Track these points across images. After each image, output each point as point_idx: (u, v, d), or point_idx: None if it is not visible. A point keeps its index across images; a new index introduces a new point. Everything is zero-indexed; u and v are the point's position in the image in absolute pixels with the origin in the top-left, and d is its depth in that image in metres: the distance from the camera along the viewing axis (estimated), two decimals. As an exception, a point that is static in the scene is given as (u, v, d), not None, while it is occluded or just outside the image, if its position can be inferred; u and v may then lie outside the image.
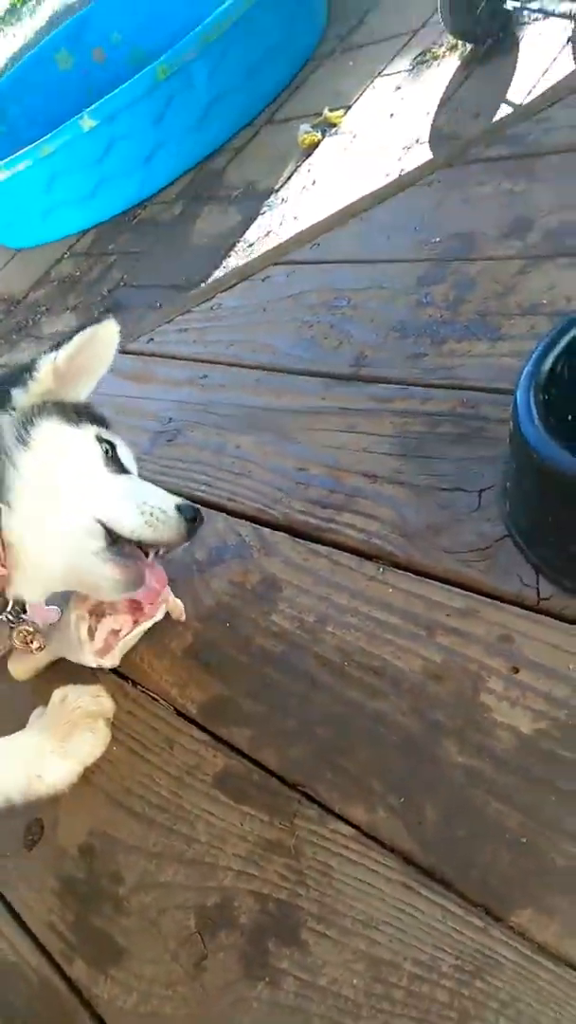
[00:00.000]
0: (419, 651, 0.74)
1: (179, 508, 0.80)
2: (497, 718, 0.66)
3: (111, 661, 0.85)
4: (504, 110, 2.28)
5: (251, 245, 2.56)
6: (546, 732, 0.63)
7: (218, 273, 2.53)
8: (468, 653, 0.71)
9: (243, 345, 1.25)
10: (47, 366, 0.79)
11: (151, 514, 0.78)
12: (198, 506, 0.82)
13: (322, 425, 1.02)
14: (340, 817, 0.67)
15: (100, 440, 0.80)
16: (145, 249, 2.87)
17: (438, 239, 1.16)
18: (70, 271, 3.11)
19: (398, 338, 1.06)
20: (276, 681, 0.80)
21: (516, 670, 0.68)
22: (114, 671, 0.91)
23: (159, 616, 0.89)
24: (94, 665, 0.85)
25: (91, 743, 0.83)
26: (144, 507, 0.78)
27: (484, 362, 0.94)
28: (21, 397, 0.78)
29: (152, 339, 1.40)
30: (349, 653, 0.77)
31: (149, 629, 0.88)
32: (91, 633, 0.84)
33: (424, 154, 2.35)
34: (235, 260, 2.55)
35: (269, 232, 2.55)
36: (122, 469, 0.81)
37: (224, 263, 2.56)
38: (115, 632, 0.84)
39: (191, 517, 0.79)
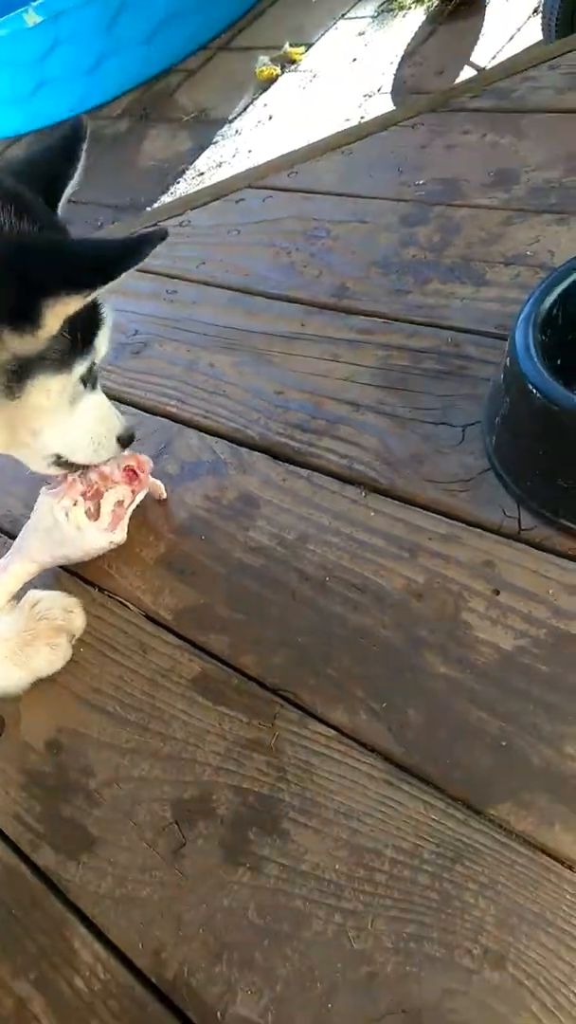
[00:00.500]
0: (401, 571, 0.76)
1: (119, 439, 0.81)
2: (478, 635, 0.69)
3: (121, 534, 0.85)
4: (467, 72, 2.28)
5: (201, 174, 2.48)
6: (525, 649, 0.67)
7: (166, 198, 2.44)
8: (450, 575, 0.74)
9: (216, 264, 1.22)
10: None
11: (99, 443, 0.80)
12: (135, 433, 0.83)
13: (301, 351, 1.02)
14: (321, 720, 0.69)
15: (82, 379, 0.74)
16: (87, 163, 2.72)
17: (422, 181, 1.16)
18: (1, 176, 2.91)
19: (381, 273, 1.06)
20: (255, 592, 0.80)
21: (497, 592, 0.71)
22: (80, 576, 0.89)
23: (142, 496, 0.88)
24: (105, 544, 0.84)
25: (48, 659, 0.81)
26: (96, 439, 0.79)
27: (468, 304, 0.96)
28: (13, 341, 0.65)
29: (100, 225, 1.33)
30: (331, 569, 0.79)
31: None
32: (91, 515, 0.82)
33: (386, 104, 2.33)
34: (184, 187, 2.46)
35: (221, 163, 2.47)
36: (93, 383, 0.77)
37: (172, 189, 2.47)
38: (120, 503, 0.84)
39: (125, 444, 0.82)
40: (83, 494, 0.82)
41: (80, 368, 0.72)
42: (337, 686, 0.71)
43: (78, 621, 0.83)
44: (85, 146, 0.74)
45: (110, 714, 0.77)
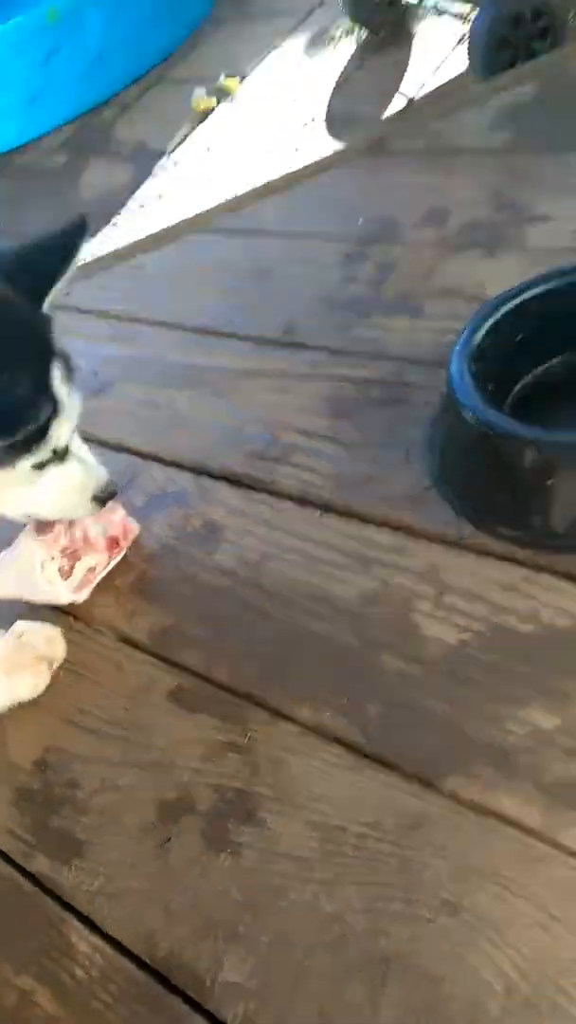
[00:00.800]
0: (356, 581, 0.90)
1: (96, 498, 0.91)
2: (426, 633, 0.83)
3: (84, 596, 0.97)
4: (399, 100, 2.50)
5: (142, 206, 2.64)
6: (468, 642, 0.81)
7: (108, 229, 2.59)
8: (400, 582, 0.88)
9: (170, 306, 1.36)
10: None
11: (71, 506, 0.90)
12: (115, 489, 0.92)
13: (256, 386, 1.16)
14: (289, 718, 0.82)
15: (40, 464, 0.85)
16: (25, 197, 2.86)
17: (361, 221, 1.33)
18: None
19: (326, 310, 1.22)
20: (223, 610, 0.94)
21: (442, 594, 0.85)
22: (55, 607, 1.01)
23: (117, 559, 1.00)
24: (66, 602, 0.95)
25: (29, 687, 0.93)
26: (64, 504, 0.90)
27: (408, 336, 1.12)
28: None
29: (69, 294, 1.47)
30: (292, 585, 0.93)
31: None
32: (63, 573, 0.94)
33: (321, 134, 2.53)
34: (126, 219, 2.62)
35: (161, 195, 2.64)
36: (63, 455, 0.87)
37: (115, 220, 2.62)
38: (92, 569, 0.95)
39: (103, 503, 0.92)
40: (63, 550, 0.94)
41: (32, 459, 0.82)
42: (302, 688, 0.84)
43: (59, 650, 0.95)
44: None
45: (93, 731, 0.89)
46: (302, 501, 1.00)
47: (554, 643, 0.79)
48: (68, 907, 0.78)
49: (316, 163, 1.50)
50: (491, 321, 0.91)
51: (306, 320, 1.22)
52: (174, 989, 0.71)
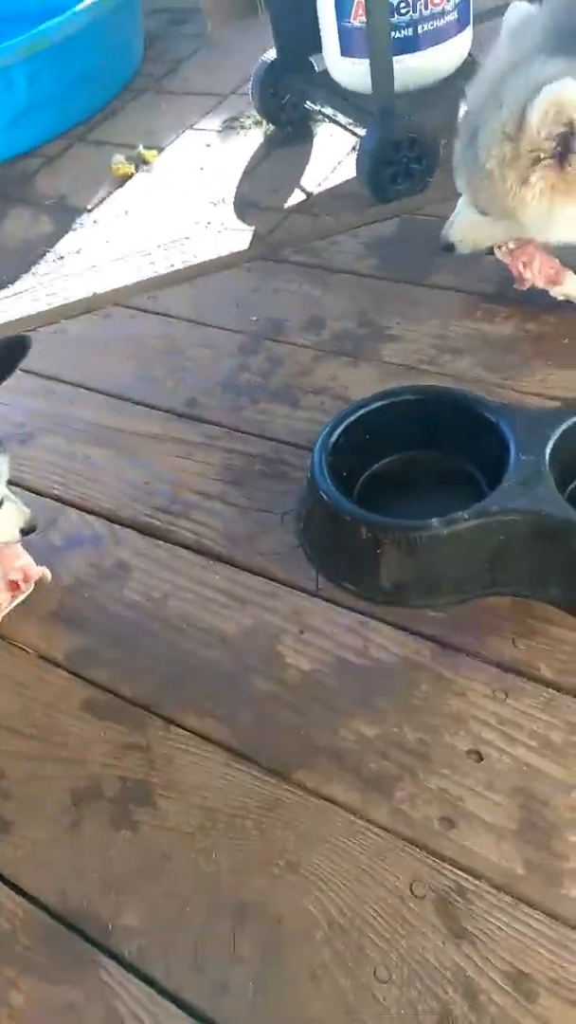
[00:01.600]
0: (236, 617, 1.09)
1: (22, 530, 1.08)
2: (288, 661, 1.04)
3: None
4: (298, 194, 2.75)
5: (62, 258, 2.76)
6: (318, 669, 1.02)
7: (27, 278, 2.69)
8: (270, 620, 1.08)
9: (88, 370, 1.52)
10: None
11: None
12: (35, 525, 1.09)
13: (162, 450, 1.34)
14: (180, 725, 1.00)
15: None
16: (-54, 235, 2.91)
17: (255, 318, 1.53)
18: None
19: (223, 391, 1.41)
20: (129, 636, 1.11)
21: (302, 631, 1.06)
22: (-15, 626, 1.15)
23: (29, 589, 1.15)
24: None
25: None
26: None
27: (287, 422, 1.33)
28: None
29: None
30: (187, 618, 1.11)
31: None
32: None
33: (229, 213, 2.74)
34: (45, 268, 2.73)
35: (80, 250, 2.77)
36: None
37: (34, 270, 2.72)
38: None
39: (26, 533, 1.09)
40: None
41: None
42: (190, 700, 1.02)
43: None
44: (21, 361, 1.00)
45: (16, 731, 1.03)
46: (196, 550, 1.19)
47: (379, 672, 1.01)
48: (-6, 873, 0.92)
49: (220, 259, 1.70)
50: (345, 423, 1.13)
51: (206, 397, 1.41)
52: (81, 933, 0.87)
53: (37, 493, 1.32)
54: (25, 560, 1.14)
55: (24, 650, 1.12)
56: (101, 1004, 0.81)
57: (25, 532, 1.09)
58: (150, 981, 0.82)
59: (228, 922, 0.85)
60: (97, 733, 1.02)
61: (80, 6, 2.98)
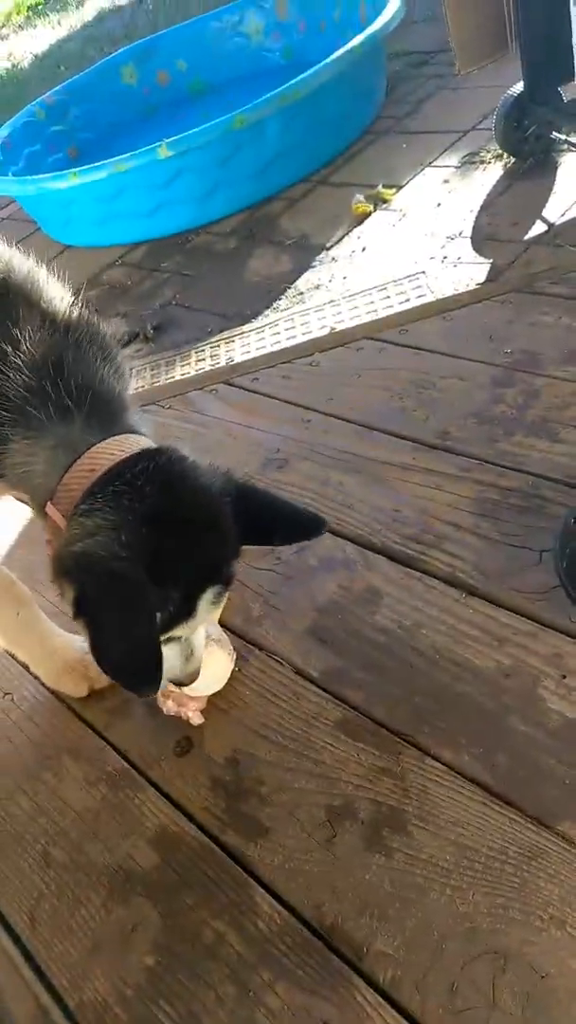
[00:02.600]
0: (493, 655, 1.06)
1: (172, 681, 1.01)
2: (550, 706, 0.99)
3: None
4: (539, 226, 2.68)
5: (301, 293, 2.88)
6: (583, 717, 0.97)
7: (268, 312, 2.84)
8: (530, 661, 1.04)
9: (340, 401, 1.56)
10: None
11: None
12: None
13: (413, 480, 1.35)
14: (434, 757, 0.99)
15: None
16: (198, 274, 3.15)
17: (509, 350, 1.50)
18: (120, 279, 3.36)
19: (476, 424, 1.40)
20: (381, 661, 1.11)
21: (564, 676, 1.01)
22: (245, 639, 1.20)
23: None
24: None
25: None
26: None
27: (545, 456, 1.29)
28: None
29: (256, 379, 1.70)
30: (439, 649, 1.10)
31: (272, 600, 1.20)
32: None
33: (466, 248, 2.73)
34: (285, 303, 2.86)
35: (319, 285, 2.88)
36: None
37: (275, 304, 2.87)
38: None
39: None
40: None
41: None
42: (447, 734, 1.01)
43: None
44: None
45: (273, 742, 1.07)
46: (449, 582, 1.17)
47: None
48: (252, 874, 0.96)
49: (470, 292, 1.69)
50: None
51: (458, 430, 1.40)
52: (336, 951, 0.88)
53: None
54: (200, 706, 1.12)
55: (280, 663, 1.16)
56: (356, 1025, 0.82)
57: (176, 684, 1.03)
58: (404, 1012, 0.81)
59: (487, 968, 0.82)
60: (351, 754, 1.03)
61: (331, 57, 3.11)
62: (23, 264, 0.96)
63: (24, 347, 0.89)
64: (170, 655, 0.95)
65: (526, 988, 0.79)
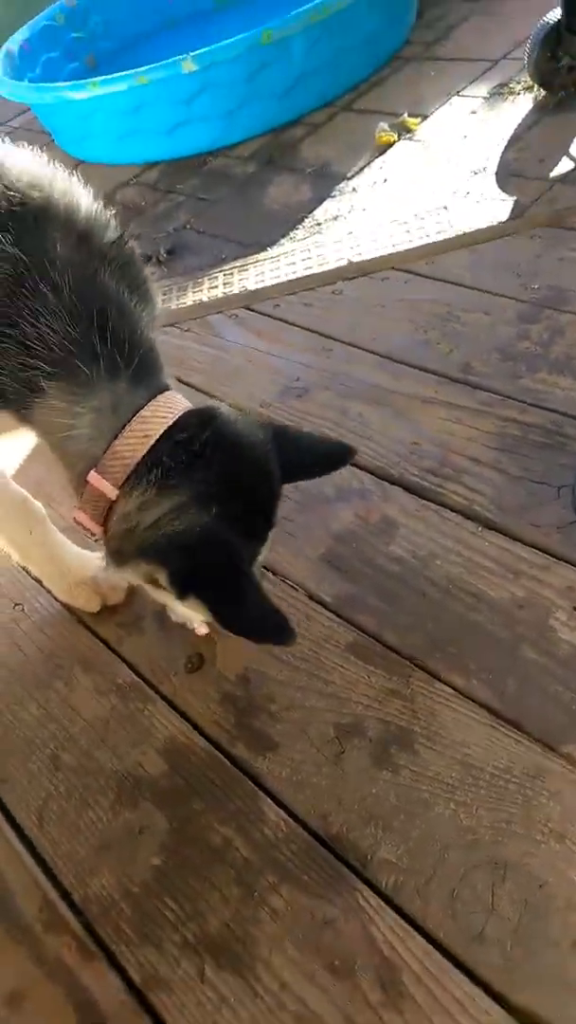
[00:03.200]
0: (507, 587, 1.08)
1: None
2: (561, 636, 1.01)
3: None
4: (565, 163, 2.61)
5: (319, 224, 2.82)
6: (593, 648, 0.99)
7: (284, 242, 2.79)
8: (543, 593, 1.06)
9: (363, 331, 1.55)
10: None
11: None
12: None
13: (434, 413, 1.35)
14: (443, 681, 1.02)
15: None
16: (214, 198, 3.08)
17: (536, 286, 1.49)
18: (135, 199, 3.28)
19: (500, 359, 1.39)
20: (394, 589, 1.13)
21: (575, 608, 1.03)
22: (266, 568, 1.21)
23: None
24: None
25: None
26: None
27: (568, 394, 1.29)
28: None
29: (278, 305, 1.68)
30: (453, 581, 1.11)
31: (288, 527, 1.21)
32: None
33: (490, 183, 2.67)
34: (302, 233, 2.80)
35: (337, 216, 2.82)
36: None
37: (292, 234, 2.81)
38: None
39: None
40: None
41: None
42: (457, 660, 1.03)
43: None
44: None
45: (285, 662, 1.10)
46: (466, 515, 1.19)
47: None
48: (260, 785, 0.99)
49: (500, 225, 1.66)
50: None
51: (481, 364, 1.39)
52: (341, 858, 0.91)
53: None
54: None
55: (294, 587, 1.18)
56: (358, 925, 0.86)
57: None
58: (405, 915, 0.85)
59: (487, 877, 0.86)
60: (361, 676, 1.05)
61: (364, -27, 2.98)
62: (66, 188, 0.87)
63: (66, 292, 0.81)
64: None
65: (524, 896, 0.83)
